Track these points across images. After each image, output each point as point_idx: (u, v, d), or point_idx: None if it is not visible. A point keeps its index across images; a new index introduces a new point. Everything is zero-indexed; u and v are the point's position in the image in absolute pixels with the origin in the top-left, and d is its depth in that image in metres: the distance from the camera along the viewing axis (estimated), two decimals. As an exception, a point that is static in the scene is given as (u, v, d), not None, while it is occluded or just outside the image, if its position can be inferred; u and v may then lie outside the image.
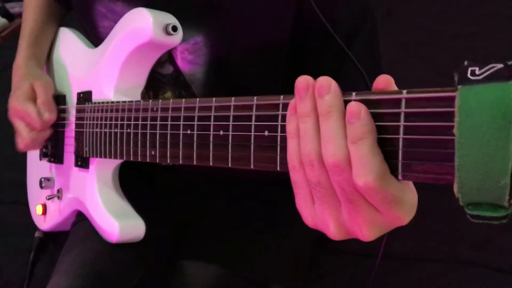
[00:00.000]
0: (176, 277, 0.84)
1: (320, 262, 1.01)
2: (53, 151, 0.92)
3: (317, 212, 0.42)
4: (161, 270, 0.84)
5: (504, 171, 0.29)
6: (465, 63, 0.32)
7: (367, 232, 0.39)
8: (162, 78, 0.80)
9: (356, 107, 0.37)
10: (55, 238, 1.05)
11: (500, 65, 0.30)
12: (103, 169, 0.80)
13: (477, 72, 0.31)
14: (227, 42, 0.73)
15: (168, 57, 0.78)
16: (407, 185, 0.39)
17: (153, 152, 0.64)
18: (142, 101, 0.66)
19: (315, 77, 0.75)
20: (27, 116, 0.81)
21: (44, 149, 0.95)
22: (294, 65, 0.75)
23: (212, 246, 0.87)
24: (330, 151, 0.38)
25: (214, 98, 0.53)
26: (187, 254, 0.86)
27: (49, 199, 0.93)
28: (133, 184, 0.84)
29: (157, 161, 0.63)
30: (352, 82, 0.69)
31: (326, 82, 0.39)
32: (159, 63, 0.78)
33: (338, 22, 0.70)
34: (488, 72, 0.30)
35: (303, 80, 0.40)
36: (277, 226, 0.89)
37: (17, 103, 0.82)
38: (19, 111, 0.81)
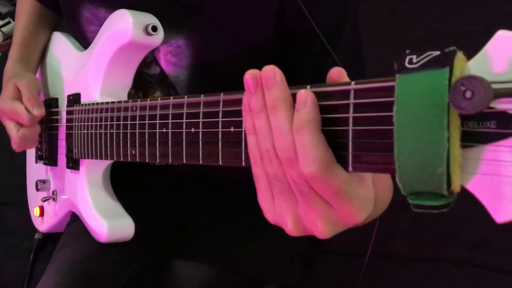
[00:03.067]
0: (169, 277, 0.84)
1: (316, 261, 1.01)
2: (47, 154, 0.94)
3: (275, 207, 0.42)
4: (152, 269, 0.84)
5: (439, 159, 0.29)
6: (407, 51, 0.32)
7: (321, 228, 0.39)
8: (149, 78, 0.81)
9: (304, 95, 0.37)
10: (54, 239, 1.07)
11: (437, 52, 0.30)
12: (93, 170, 0.81)
13: (414, 60, 0.30)
14: (209, 44, 0.74)
15: (154, 58, 0.78)
16: (360, 179, 0.38)
17: (133, 152, 0.64)
18: (123, 101, 0.67)
19: (300, 75, 0.75)
20: (15, 115, 0.82)
21: (39, 152, 0.97)
22: (279, 66, 0.75)
23: (205, 245, 0.87)
24: (280, 145, 0.38)
25: (186, 96, 0.53)
26: (179, 254, 0.86)
27: (44, 201, 0.95)
28: (126, 184, 0.85)
29: (137, 160, 0.64)
30: None
31: (271, 72, 0.39)
32: (146, 64, 0.79)
33: (320, 22, 0.70)
34: (424, 60, 0.30)
35: (251, 74, 0.40)
36: (270, 225, 0.89)
37: (3, 104, 0.83)
38: (6, 112, 0.83)
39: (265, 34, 0.72)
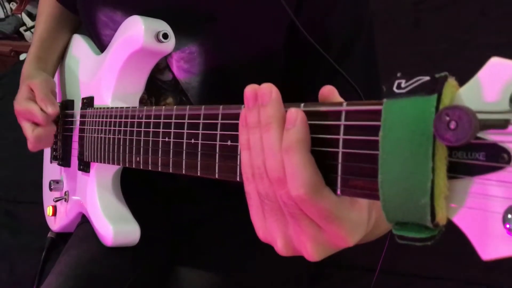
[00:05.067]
0: (173, 283, 0.84)
1: (326, 274, 0.99)
2: (62, 155, 0.95)
3: (267, 226, 0.41)
4: (157, 274, 0.84)
5: (423, 190, 0.28)
6: (398, 75, 0.31)
7: (311, 250, 0.38)
8: (162, 84, 0.81)
9: (294, 114, 0.36)
10: (66, 238, 1.08)
11: (427, 78, 0.29)
12: (103, 174, 0.82)
13: (402, 85, 0.29)
14: (221, 52, 0.73)
15: (167, 64, 0.78)
16: (351, 202, 0.37)
17: (138, 159, 0.64)
18: (130, 107, 0.67)
19: (309, 89, 0.74)
20: (30, 115, 0.83)
21: (54, 152, 0.98)
22: (290, 75, 0.74)
23: (211, 252, 0.86)
24: (271, 165, 0.37)
25: (188, 106, 0.53)
26: (185, 260, 0.86)
27: (56, 201, 0.96)
28: (135, 188, 0.85)
29: (141, 167, 0.64)
30: (346, 95, 0.67)
31: (267, 89, 0.38)
32: (159, 70, 0.79)
33: (332, 33, 0.69)
34: (413, 85, 0.29)
35: (250, 89, 0.39)
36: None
37: (18, 105, 0.84)
38: (22, 113, 0.84)
39: (276, 45, 0.72)
